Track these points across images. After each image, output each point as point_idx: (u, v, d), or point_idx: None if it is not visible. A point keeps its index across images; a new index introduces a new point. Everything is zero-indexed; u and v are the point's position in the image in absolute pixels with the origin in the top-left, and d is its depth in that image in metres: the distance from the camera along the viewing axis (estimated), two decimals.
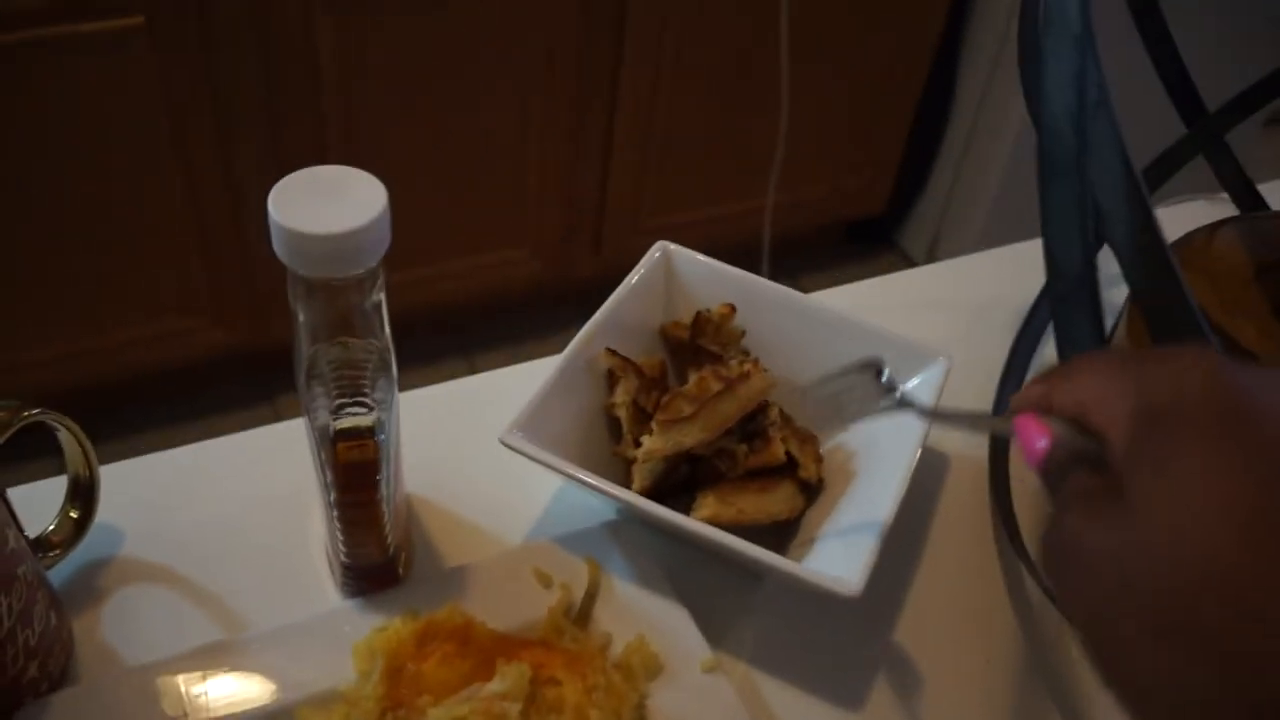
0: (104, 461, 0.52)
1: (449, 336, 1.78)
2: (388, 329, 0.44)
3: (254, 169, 1.35)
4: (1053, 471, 0.32)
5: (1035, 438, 0.33)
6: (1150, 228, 0.35)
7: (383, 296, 0.43)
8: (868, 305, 0.74)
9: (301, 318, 0.42)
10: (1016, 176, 1.81)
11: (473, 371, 1.85)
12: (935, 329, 0.68)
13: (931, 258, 2.01)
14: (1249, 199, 0.75)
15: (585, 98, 1.55)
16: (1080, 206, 0.34)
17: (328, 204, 0.39)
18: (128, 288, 1.41)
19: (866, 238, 2.06)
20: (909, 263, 2.03)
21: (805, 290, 0.75)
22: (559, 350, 0.55)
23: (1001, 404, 0.65)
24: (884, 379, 0.46)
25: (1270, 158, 2.14)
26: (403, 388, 0.64)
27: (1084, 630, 0.29)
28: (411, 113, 1.44)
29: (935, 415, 0.47)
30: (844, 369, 0.47)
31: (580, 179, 1.64)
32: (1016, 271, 0.74)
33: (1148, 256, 0.35)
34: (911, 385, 0.57)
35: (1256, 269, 0.59)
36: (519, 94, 1.49)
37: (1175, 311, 0.34)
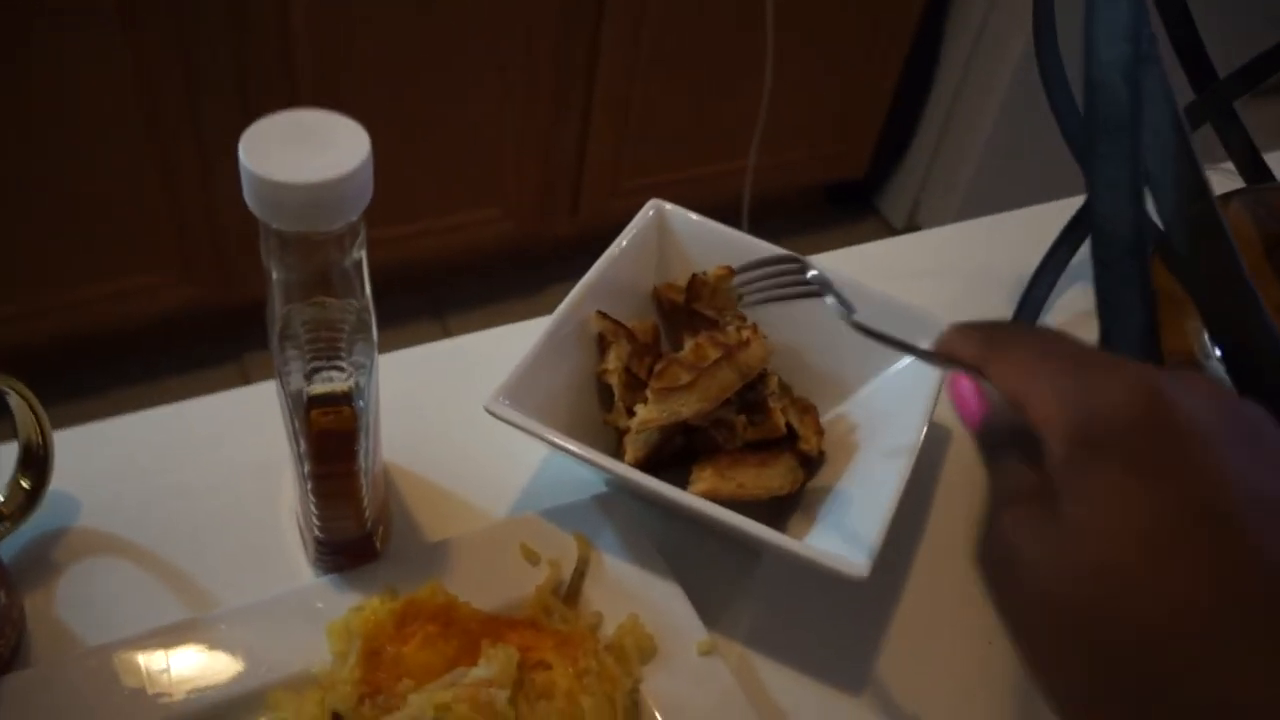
0: (60, 426, 0.49)
1: (421, 296, 1.74)
2: (368, 288, 0.40)
3: (220, 109, 1.30)
4: (988, 441, 0.33)
5: (970, 400, 0.34)
6: (1204, 194, 0.32)
7: (363, 254, 0.39)
8: (853, 273, 0.71)
9: (275, 276, 0.38)
10: (999, 144, 1.78)
11: (446, 333, 1.81)
12: (922, 299, 0.66)
13: (911, 224, 1.99)
14: (1255, 170, 0.73)
15: (565, 60, 1.51)
16: (1133, 167, 0.31)
17: (305, 151, 0.35)
18: (91, 242, 1.36)
19: (846, 201, 2.04)
20: (888, 228, 2.01)
21: None
22: (536, 313, 0.51)
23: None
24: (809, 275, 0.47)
25: (1262, 125, 2.13)
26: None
27: (1008, 629, 0.30)
28: (386, 68, 1.39)
29: (859, 327, 0.43)
30: (772, 258, 0.49)
31: (559, 140, 1.60)
32: (1006, 241, 0.72)
33: (1198, 225, 0.32)
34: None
35: (1265, 244, 0.57)
36: (497, 56, 1.45)
37: (1229, 284, 0.32)
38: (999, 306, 0.68)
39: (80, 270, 1.39)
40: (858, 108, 1.82)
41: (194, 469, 0.52)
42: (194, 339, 1.55)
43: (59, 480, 0.48)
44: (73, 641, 0.46)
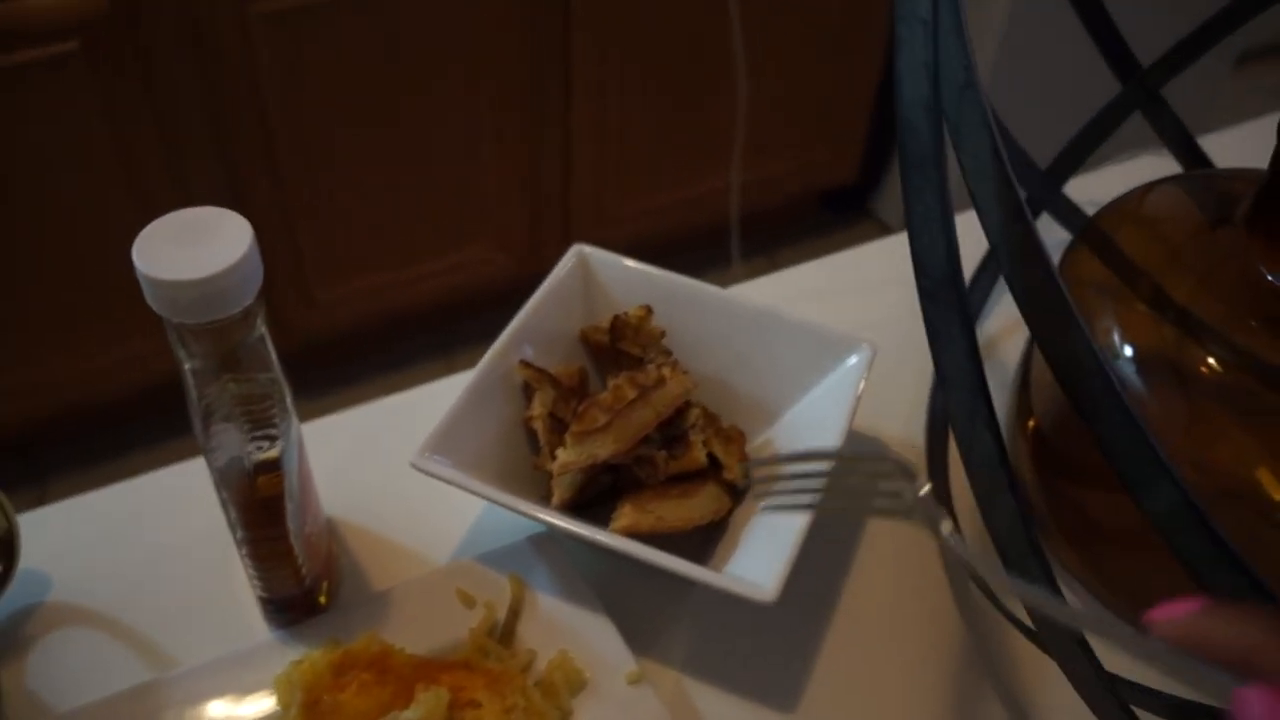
0: (55, 492, 0.52)
1: (427, 337, 1.77)
2: (275, 360, 0.43)
3: (206, 186, 1.34)
4: None
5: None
6: (1021, 218, 0.34)
7: (265, 330, 0.42)
8: (838, 281, 0.73)
9: (187, 365, 0.41)
10: None
11: (451, 371, 1.85)
12: (899, 305, 0.68)
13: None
14: (1191, 155, 0.74)
15: (538, 92, 1.53)
16: (941, 200, 0.33)
17: (194, 248, 0.38)
18: (90, 314, 1.41)
19: (841, 207, 2.05)
20: (885, 230, 2.02)
21: (781, 264, 0.74)
22: None
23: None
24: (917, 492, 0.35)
25: (1244, 94, 2.12)
26: (381, 392, 0.63)
27: None
28: (359, 119, 1.42)
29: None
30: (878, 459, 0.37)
31: (541, 173, 1.62)
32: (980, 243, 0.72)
33: (1017, 245, 0.34)
34: (839, 380, 0.55)
35: (1204, 225, 0.57)
36: (468, 93, 1.48)
37: (1049, 302, 0.33)
38: None
39: (73, 344, 1.42)
40: (840, 112, 1.83)
41: (157, 539, 0.55)
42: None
43: (29, 558, 0.52)
44: (45, 709, 0.49)
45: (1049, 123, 1.10)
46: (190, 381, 0.42)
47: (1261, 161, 0.51)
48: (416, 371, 1.72)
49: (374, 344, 1.72)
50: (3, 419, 1.45)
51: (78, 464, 1.53)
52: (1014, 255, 0.34)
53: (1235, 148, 0.78)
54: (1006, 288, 0.73)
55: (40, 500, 0.56)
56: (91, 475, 1.50)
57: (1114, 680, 0.42)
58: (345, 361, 1.70)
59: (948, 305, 0.34)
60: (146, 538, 0.55)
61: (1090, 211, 0.66)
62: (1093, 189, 0.70)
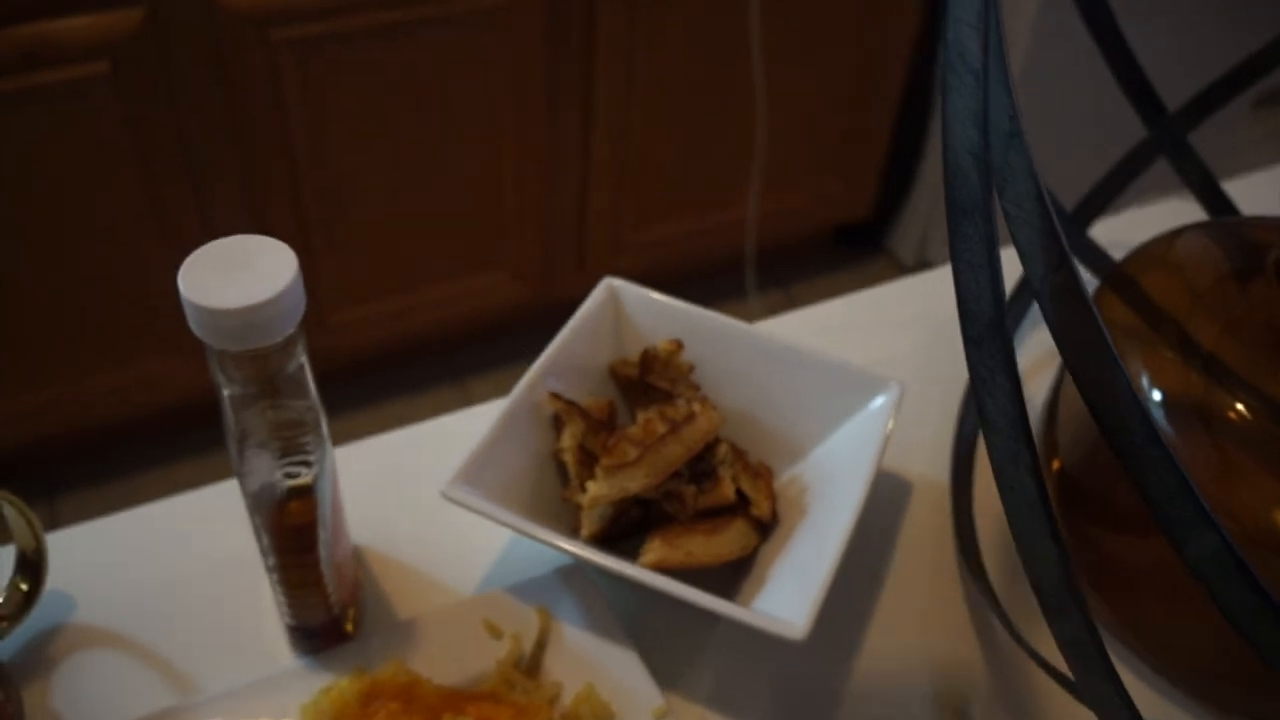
0: (64, 511, 0.52)
1: (441, 364, 1.78)
2: (313, 388, 0.43)
3: (230, 210, 1.35)
4: None
5: None
6: (1065, 265, 0.34)
7: (305, 359, 0.42)
8: (859, 318, 0.74)
9: (225, 391, 0.42)
10: None
11: (467, 398, 1.85)
12: (920, 343, 0.68)
13: (921, 261, 2.00)
14: (1215, 200, 0.74)
15: (557, 122, 1.55)
16: (988, 247, 0.34)
17: (239, 276, 0.39)
18: (104, 336, 1.41)
19: (855, 243, 2.06)
20: (898, 267, 2.02)
21: (795, 297, 0.75)
22: None
23: (966, 420, 0.64)
24: None
25: (1261, 138, 2.13)
26: (393, 417, 0.64)
27: None
28: (379, 145, 1.44)
29: None
30: None
31: (558, 200, 1.63)
32: (1014, 273, 0.72)
33: (1062, 296, 0.34)
34: (867, 419, 0.56)
35: (1231, 272, 0.58)
36: (488, 122, 1.49)
37: (1091, 347, 0.34)
38: None
39: (92, 363, 1.43)
40: (857, 147, 1.84)
41: (182, 561, 0.55)
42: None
43: (56, 578, 0.52)
44: None
45: (1065, 165, 1.10)
46: (228, 407, 0.42)
47: None
48: (426, 397, 1.72)
49: (384, 368, 1.73)
50: (15, 438, 1.46)
51: (89, 484, 1.54)
52: (1057, 300, 0.34)
53: (1258, 192, 0.78)
54: (1026, 333, 0.74)
55: (50, 520, 0.56)
56: (102, 495, 1.51)
57: None
58: (355, 385, 1.70)
59: (992, 350, 0.34)
60: (172, 561, 0.56)
61: (1115, 255, 0.66)
62: (1117, 232, 0.71)
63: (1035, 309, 0.74)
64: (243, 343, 0.39)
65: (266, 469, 0.44)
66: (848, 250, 2.06)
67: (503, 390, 0.62)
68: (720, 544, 0.51)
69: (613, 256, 1.71)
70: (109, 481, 1.55)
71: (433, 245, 1.58)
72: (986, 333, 0.34)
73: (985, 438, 0.35)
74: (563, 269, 1.69)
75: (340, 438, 0.62)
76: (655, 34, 1.52)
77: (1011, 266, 0.69)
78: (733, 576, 0.53)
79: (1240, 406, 0.49)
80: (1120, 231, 0.68)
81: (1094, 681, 0.39)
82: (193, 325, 0.39)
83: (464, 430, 0.60)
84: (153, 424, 1.55)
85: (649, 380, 0.57)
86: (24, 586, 0.51)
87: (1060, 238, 0.35)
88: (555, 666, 0.50)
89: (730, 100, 1.63)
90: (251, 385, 0.42)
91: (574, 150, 1.58)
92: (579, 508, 0.53)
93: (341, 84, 1.36)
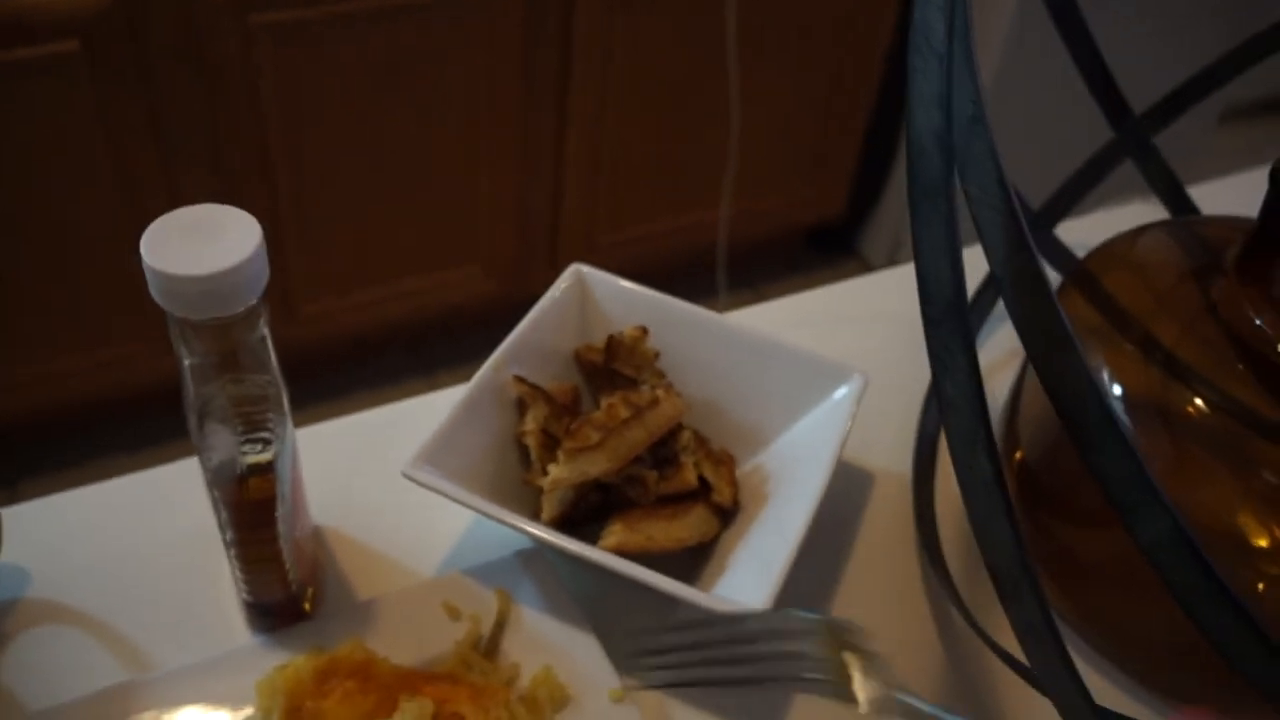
0: (25, 492, 0.52)
1: (411, 356, 1.77)
2: (275, 363, 0.43)
3: (201, 195, 1.34)
4: None
5: None
6: (1025, 247, 0.34)
7: (267, 331, 0.42)
8: (826, 312, 0.74)
9: (186, 361, 0.41)
10: None
11: (432, 389, 1.84)
12: (887, 338, 0.68)
13: (892, 264, 2.01)
14: (1179, 202, 0.75)
15: (532, 118, 1.55)
16: (949, 229, 0.34)
17: (202, 244, 0.39)
18: (77, 315, 1.40)
19: (827, 245, 2.07)
20: (868, 268, 2.04)
21: (766, 297, 0.75)
22: None
23: (928, 414, 0.64)
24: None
25: (1227, 150, 2.16)
26: (363, 407, 0.63)
27: None
28: (353, 135, 1.43)
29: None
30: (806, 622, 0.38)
31: (532, 196, 1.63)
32: (979, 274, 0.73)
33: (1022, 279, 0.35)
34: (830, 408, 0.56)
35: (1192, 270, 0.58)
36: (465, 114, 1.49)
37: (1051, 337, 0.34)
38: None
39: (66, 343, 1.42)
40: (830, 150, 1.85)
41: (139, 538, 0.55)
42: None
43: (10, 553, 0.51)
44: (19, 706, 0.48)
45: (1034, 167, 1.12)
46: (188, 378, 0.42)
47: (1245, 212, 0.52)
48: (395, 389, 1.71)
49: (353, 360, 1.72)
50: (27, 406, 1.44)
51: (50, 466, 1.52)
52: (1017, 282, 0.35)
53: (1220, 198, 0.79)
54: (993, 327, 0.75)
55: (11, 500, 0.55)
56: (62, 477, 1.49)
57: (1105, 715, 0.42)
58: (323, 376, 1.69)
59: (951, 330, 0.34)
60: (129, 537, 0.55)
61: (1080, 255, 0.67)
62: (1082, 233, 0.71)
63: (997, 309, 0.74)
64: (204, 311, 0.39)
65: (227, 444, 0.44)
66: (819, 252, 2.07)
67: None
68: (681, 529, 0.52)
69: (585, 255, 1.71)
70: (73, 467, 1.53)
71: (406, 237, 1.57)
72: (946, 314, 0.35)
73: (943, 419, 0.36)
74: (535, 265, 1.69)
75: (308, 424, 0.62)
76: (632, 30, 1.53)
77: (974, 268, 0.70)
78: (693, 563, 0.53)
79: (1199, 402, 0.50)
80: (1086, 233, 0.69)
81: (1048, 666, 0.39)
82: (154, 292, 0.39)
83: (427, 413, 0.60)
84: (119, 409, 1.53)
85: (614, 366, 0.57)
86: None
87: (1020, 219, 0.35)
88: (513, 648, 0.49)
89: (705, 101, 1.63)
90: (212, 356, 0.41)
91: (549, 146, 1.58)
92: (540, 491, 0.53)
93: (318, 71, 1.35)
